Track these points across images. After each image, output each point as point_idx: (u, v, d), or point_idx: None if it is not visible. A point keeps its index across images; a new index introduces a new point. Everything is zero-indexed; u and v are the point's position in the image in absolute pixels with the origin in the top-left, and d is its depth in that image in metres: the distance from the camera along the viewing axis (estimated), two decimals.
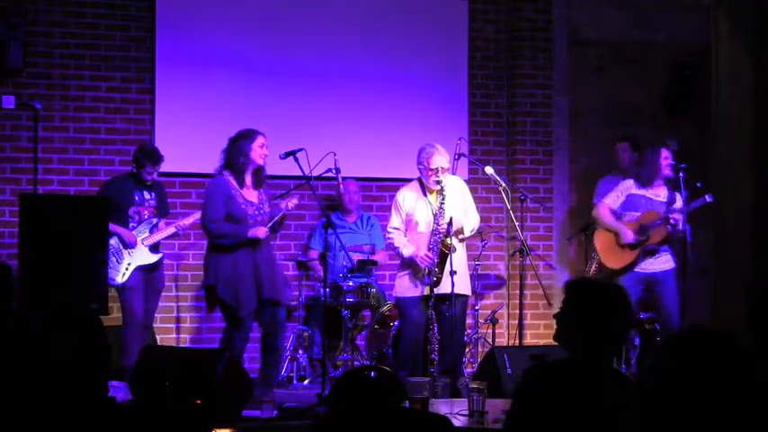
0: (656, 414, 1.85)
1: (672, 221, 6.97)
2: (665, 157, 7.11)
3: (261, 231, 6.41)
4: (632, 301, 7.08)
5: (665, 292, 7.06)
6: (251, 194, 6.54)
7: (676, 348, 1.89)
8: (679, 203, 7.05)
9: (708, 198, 7.06)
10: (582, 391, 3.05)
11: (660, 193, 7.12)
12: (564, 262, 8.59)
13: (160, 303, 7.46)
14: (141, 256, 6.92)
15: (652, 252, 7.07)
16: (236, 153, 6.46)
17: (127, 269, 6.86)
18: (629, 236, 7.04)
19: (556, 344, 3.32)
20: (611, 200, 7.19)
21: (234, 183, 6.48)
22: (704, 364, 1.84)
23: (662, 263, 7.10)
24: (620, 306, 3.22)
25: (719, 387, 1.82)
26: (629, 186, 7.17)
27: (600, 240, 7.24)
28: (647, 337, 7.66)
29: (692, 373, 1.84)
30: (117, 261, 6.83)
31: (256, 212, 6.51)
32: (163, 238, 7.07)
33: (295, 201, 6.69)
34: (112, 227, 6.75)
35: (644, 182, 7.14)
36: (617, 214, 7.15)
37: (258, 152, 6.46)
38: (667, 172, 7.09)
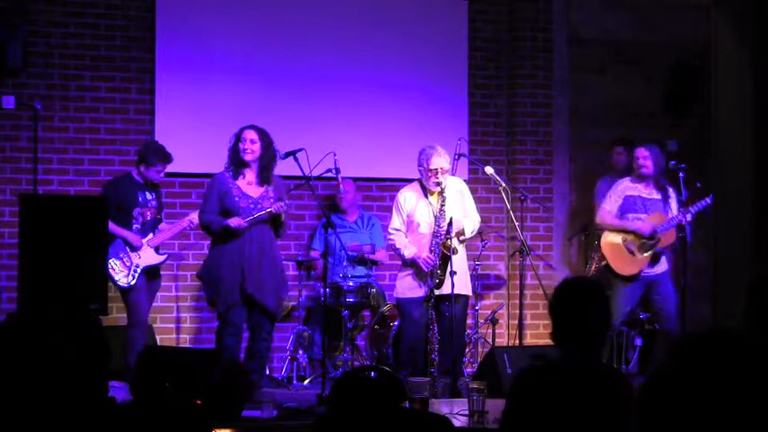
0: (664, 417, 1.84)
1: (684, 223, 6.97)
2: (642, 157, 7.06)
3: (233, 221, 6.49)
4: (634, 303, 7.14)
5: (662, 294, 7.05)
6: (252, 189, 6.61)
7: (689, 350, 1.88)
8: (673, 199, 7.05)
9: (709, 200, 7.04)
10: (568, 390, 3.07)
11: (652, 192, 7.11)
12: (564, 262, 8.59)
13: (160, 303, 7.48)
14: (148, 257, 6.94)
15: (657, 256, 7.04)
16: (229, 152, 6.63)
17: (135, 271, 6.87)
18: (647, 228, 7.00)
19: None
20: (610, 204, 7.16)
21: (231, 178, 6.58)
22: (718, 367, 1.83)
23: (660, 265, 7.09)
24: (593, 302, 3.23)
25: (732, 390, 1.81)
26: (624, 187, 7.15)
27: (608, 248, 7.14)
28: (648, 337, 7.66)
29: (704, 376, 1.82)
30: (125, 263, 6.84)
31: (251, 206, 6.55)
32: (167, 239, 7.10)
33: (279, 205, 6.56)
34: (117, 230, 6.76)
35: (634, 178, 7.13)
36: (620, 217, 7.12)
37: (241, 147, 6.56)
38: (644, 171, 7.04)
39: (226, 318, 6.59)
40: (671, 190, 7.12)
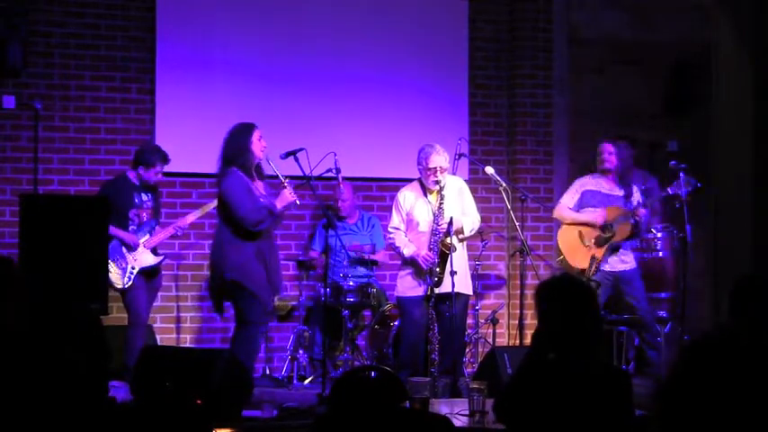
0: (679, 418, 1.83)
1: (637, 217, 7.03)
2: (606, 152, 7.14)
3: (286, 196, 6.36)
4: (604, 298, 7.18)
5: (633, 291, 7.14)
6: (260, 187, 6.49)
7: (699, 353, 1.87)
8: (637, 197, 7.12)
9: (664, 192, 7.11)
10: (559, 388, 3.08)
11: (614, 188, 7.17)
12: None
13: (160, 303, 7.47)
14: (144, 258, 6.92)
15: (616, 249, 7.10)
16: (238, 149, 6.36)
17: (132, 272, 6.86)
18: (599, 218, 7.06)
19: None
20: (567, 199, 7.25)
21: (246, 177, 6.42)
22: (728, 370, 1.83)
23: (626, 262, 7.15)
24: (576, 301, 3.25)
25: (742, 392, 1.80)
26: (583, 183, 7.22)
27: (563, 240, 7.26)
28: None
29: (715, 379, 1.82)
30: (121, 265, 6.82)
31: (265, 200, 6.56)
32: (163, 240, 7.09)
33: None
34: (113, 231, 6.74)
35: (597, 173, 7.20)
36: (575, 211, 7.20)
37: (258, 145, 6.41)
38: (607, 165, 7.12)
39: (263, 319, 6.43)
40: (635, 188, 7.19)
